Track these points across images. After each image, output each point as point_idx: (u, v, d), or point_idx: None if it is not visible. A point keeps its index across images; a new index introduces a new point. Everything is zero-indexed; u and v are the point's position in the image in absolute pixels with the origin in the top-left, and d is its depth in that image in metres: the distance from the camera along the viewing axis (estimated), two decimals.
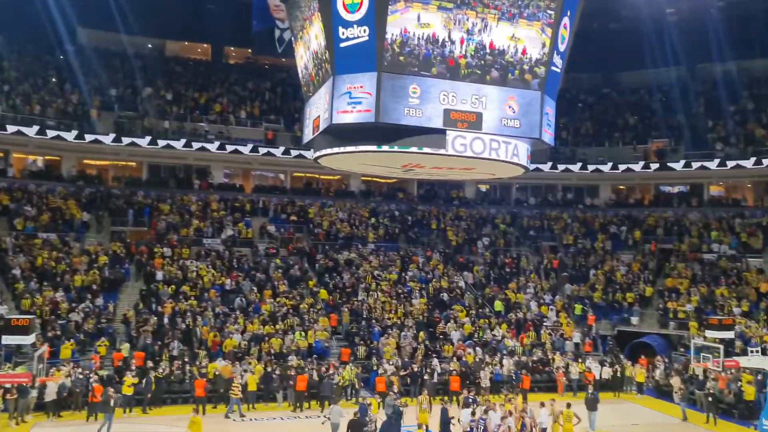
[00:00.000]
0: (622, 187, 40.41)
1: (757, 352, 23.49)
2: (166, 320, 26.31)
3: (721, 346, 22.95)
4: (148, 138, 33.32)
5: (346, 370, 24.40)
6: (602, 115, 42.71)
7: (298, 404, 22.75)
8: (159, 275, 29.01)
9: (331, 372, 23.75)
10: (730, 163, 34.43)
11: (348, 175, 37.12)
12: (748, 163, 34.08)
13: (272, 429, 20.62)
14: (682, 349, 28.44)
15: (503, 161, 13.67)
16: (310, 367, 24.05)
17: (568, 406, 18.49)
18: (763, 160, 33.51)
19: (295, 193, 37.62)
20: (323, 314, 28.92)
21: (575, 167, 37.95)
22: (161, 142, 33.58)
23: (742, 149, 35.30)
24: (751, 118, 36.84)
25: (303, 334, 26.94)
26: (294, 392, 22.91)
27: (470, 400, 19.23)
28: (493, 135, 13.17)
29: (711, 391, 23.14)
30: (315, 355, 25.73)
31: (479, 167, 15.28)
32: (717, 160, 34.85)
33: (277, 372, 23.60)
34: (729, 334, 24.79)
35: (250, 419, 21.37)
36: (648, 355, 28.43)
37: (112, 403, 18.94)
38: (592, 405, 20.60)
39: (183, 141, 33.99)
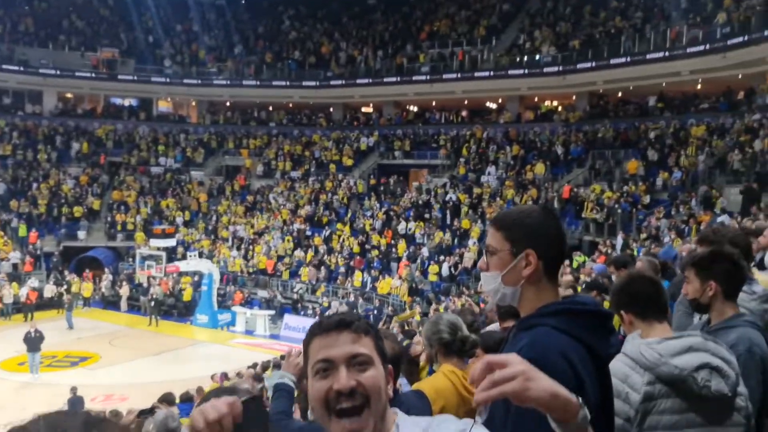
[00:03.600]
0: (69, 95, 37.84)
1: (194, 255, 25.80)
2: None
3: (164, 254, 24.41)
4: None
5: None
6: (45, 13, 38.65)
7: None
8: None
9: None
10: (177, 85, 36.20)
11: None
12: (193, 82, 36.51)
13: None
14: (130, 260, 29.04)
15: None
16: None
17: None
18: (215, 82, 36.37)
19: None
20: None
21: (13, 68, 33.63)
22: None
23: (188, 69, 37.39)
24: (195, 38, 39.24)
25: None
26: None
27: None
28: None
29: (154, 296, 24.48)
30: None
31: None
32: (166, 77, 36.14)
33: None
34: (171, 242, 26.57)
35: None
36: (94, 269, 28.10)
37: None
38: (34, 345, 17.68)
39: None
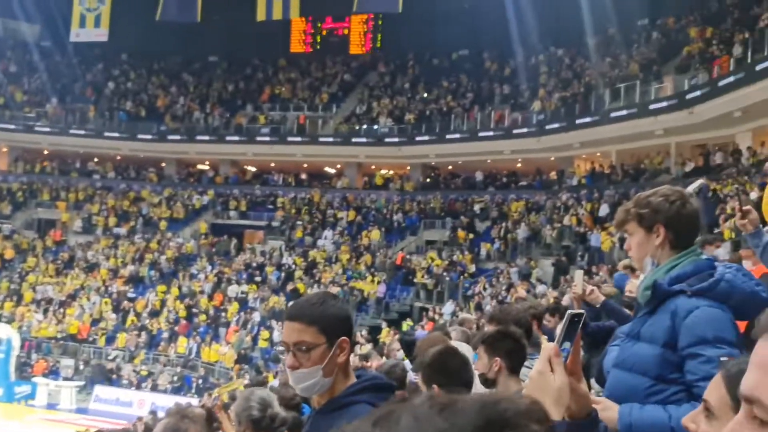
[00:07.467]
0: None
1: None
2: None
3: None
4: None
5: None
6: None
7: None
8: None
9: None
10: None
11: None
12: (7, 126, 33.28)
13: None
14: None
15: None
16: None
17: None
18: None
19: None
20: None
21: None
22: None
23: (1, 112, 34.04)
24: (14, 80, 36.10)
25: None
26: None
27: None
28: None
29: None
30: None
31: None
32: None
33: None
34: None
35: None
36: None
37: None
38: None
39: None
